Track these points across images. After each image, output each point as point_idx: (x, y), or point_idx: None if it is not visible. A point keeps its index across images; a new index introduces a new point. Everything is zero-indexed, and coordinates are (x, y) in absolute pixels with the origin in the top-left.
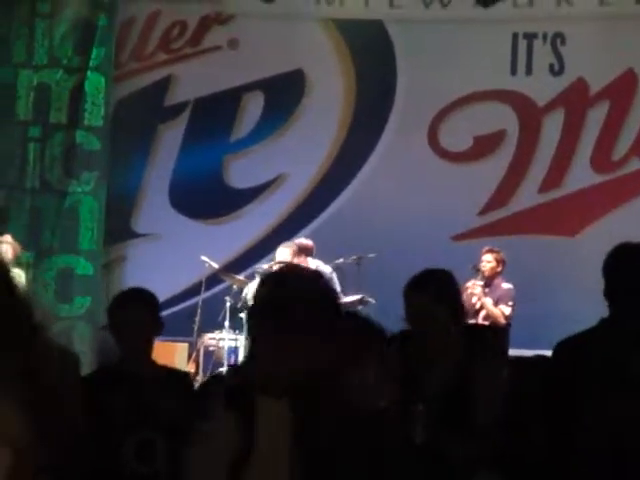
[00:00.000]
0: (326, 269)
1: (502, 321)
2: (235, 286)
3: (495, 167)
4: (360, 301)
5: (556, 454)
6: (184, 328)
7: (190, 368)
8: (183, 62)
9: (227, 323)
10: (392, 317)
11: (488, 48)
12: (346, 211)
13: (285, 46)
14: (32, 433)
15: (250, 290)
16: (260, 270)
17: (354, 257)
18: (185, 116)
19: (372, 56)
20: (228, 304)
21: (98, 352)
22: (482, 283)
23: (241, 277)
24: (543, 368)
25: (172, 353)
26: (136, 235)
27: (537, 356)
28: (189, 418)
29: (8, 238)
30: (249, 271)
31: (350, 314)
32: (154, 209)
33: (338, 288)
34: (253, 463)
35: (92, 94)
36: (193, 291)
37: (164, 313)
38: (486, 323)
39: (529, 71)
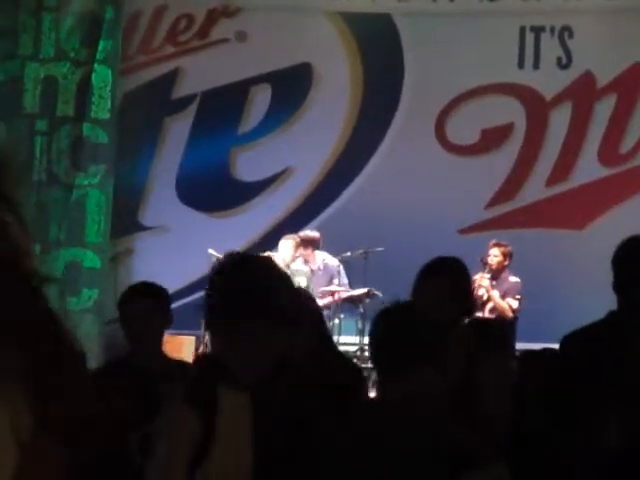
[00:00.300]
0: (333, 262)
1: (509, 314)
2: None
3: (502, 160)
4: (367, 294)
5: (561, 446)
6: (191, 321)
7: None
8: (190, 55)
9: None
10: None
11: (495, 41)
12: (353, 204)
13: (293, 39)
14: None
15: None
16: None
17: (361, 250)
18: (192, 109)
19: (380, 49)
20: None
21: (106, 346)
22: (489, 276)
23: None
24: (550, 361)
25: (179, 346)
26: (143, 228)
27: (544, 349)
28: None
29: None
30: None
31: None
32: (161, 202)
33: (345, 281)
34: (213, 457)
35: (99, 87)
36: (200, 284)
37: (171, 306)
38: (492, 316)
39: (536, 64)
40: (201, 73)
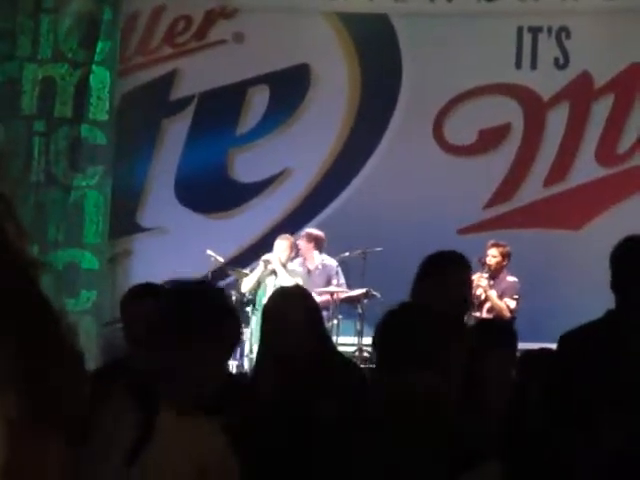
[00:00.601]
0: (332, 262)
1: (507, 314)
2: (240, 280)
3: (500, 161)
4: (365, 295)
5: (561, 446)
6: None
7: None
8: (188, 56)
9: None
10: None
11: (493, 42)
12: (351, 205)
13: (290, 40)
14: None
15: (245, 284)
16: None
17: (359, 251)
18: (190, 110)
19: (377, 50)
20: (234, 298)
21: (104, 347)
22: (487, 276)
23: (246, 271)
24: (548, 360)
25: None
26: (141, 229)
27: (542, 349)
28: None
29: None
30: (255, 265)
31: None
32: (159, 203)
33: (343, 281)
34: (152, 452)
35: (97, 88)
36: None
37: None
38: (490, 316)
39: (534, 65)
40: (199, 74)
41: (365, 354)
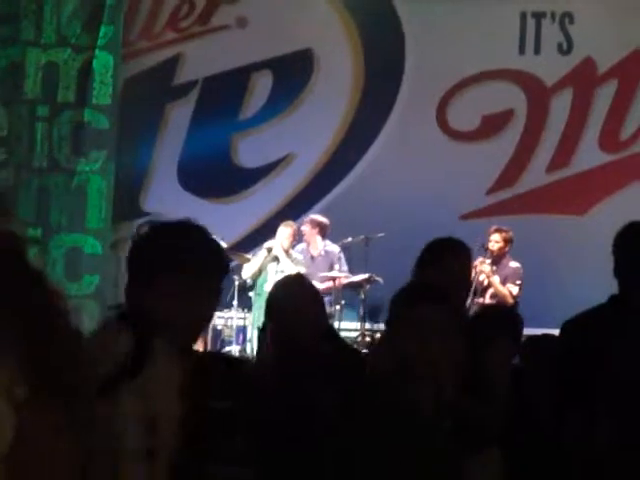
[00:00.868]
0: (334, 248)
1: (509, 300)
2: (243, 265)
3: (503, 146)
4: (368, 280)
5: (564, 431)
6: None
7: (198, 347)
8: (191, 41)
9: (235, 302)
10: None
11: (496, 27)
12: (354, 190)
13: (294, 25)
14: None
15: (246, 270)
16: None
17: (362, 236)
18: (194, 95)
19: (380, 35)
20: (236, 283)
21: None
22: (490, 262)
23: (250, 256)
24: (551, 346)
25: None
26: (144, 214)
27: (545, 334)
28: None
29: None
30: (258, 250)
31: None
32: (162, 188)
33: (346, 267)
34: (145, 375)
35: (100, 73)
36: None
37: None
38: (493, 302)
39: (537, 50)
40: (202, 59)
41: (368, 339)
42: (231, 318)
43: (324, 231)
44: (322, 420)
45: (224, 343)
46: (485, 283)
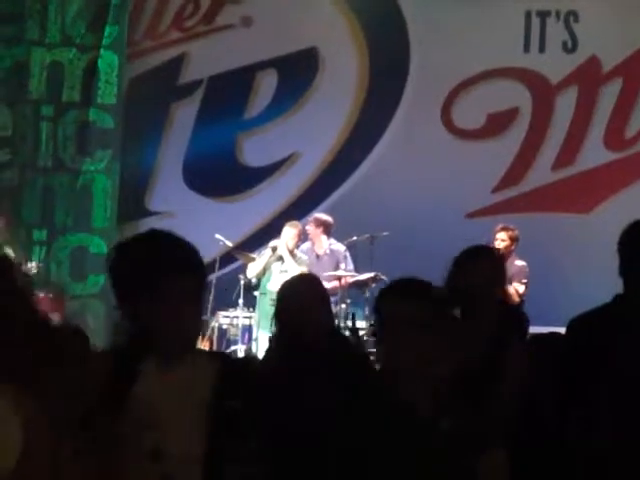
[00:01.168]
0: (340, 247)
1: (515, 299)
2: (248, 264)
3: (508, 145)
4: (373, 279)
5: (569, 430)
6: None
7: (204, 346)
8: (196, 40)
9: (241, 301)
10: None
11: (501, 26)
12: (359, 189)
13: (298, 24)
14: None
15: (251, 270)
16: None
17: (367, 235)
18: (199, 94)
19: (385, 34)
20: (242, 282)
21: (112, 331)
22: None
23: (255, 255)
24: (557, 345)
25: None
26: (150, 213)
27: (551, 333)
28: None
29: None
30: (263, 249)
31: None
32: (168, 187)
33: (351, 266)
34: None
35: (105, 72)
36: (207, 269)
37: None
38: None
39: (542, 49)
40: (207, 58)
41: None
42: (236, 317)
43: (328, 229)
44: (325, 419)
45: (230, 342)
46: None
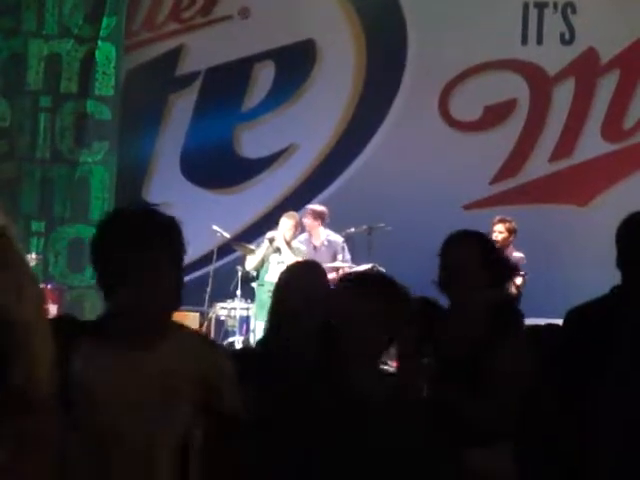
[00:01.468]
0: (337, 238)
1: (513, 290)
2: (246, 255)
3: (506, 137)
4: (371, 270)
5: (569, 422)
6: (195, 297)
7: None
8: (194, 32)
9: (239, 292)
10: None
11: (499, 17)
12: (357, 181)
13: (296, 16)
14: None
15: (249, 262)
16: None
17: (365, 227)
18: (196, 86)
19: (383, 26)
20: (239, 273)
21: None
22: None
23: (252, 246)
24: (555, 337)
25: (183, 322)
26: (147, 204)
27: (548, 325)
28: None
29: None
30: (260, 240)
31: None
32: (165, 179)
33: (349, 257)
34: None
35: (103, 64)
36: (204, 260)
37: None
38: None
39: (540, 40)
40: (205, 50)
41: None
42: (234, 309)
43: (324, 220)
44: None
45: (227, 334)
46: None
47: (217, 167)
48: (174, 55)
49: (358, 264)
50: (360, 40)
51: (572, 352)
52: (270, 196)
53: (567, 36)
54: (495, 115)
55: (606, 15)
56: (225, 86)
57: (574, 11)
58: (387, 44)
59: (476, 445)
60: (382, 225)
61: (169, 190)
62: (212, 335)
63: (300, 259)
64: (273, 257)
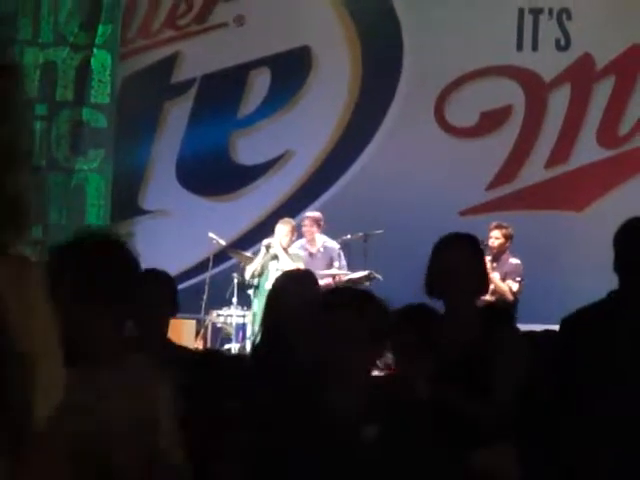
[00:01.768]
0: (333, 245)
1: (509, 296)
2: (242, 263)
3: (502, 143)
4: (367, 277)
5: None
6: (192, 305)
7: (198, 345)
8: (189, 39)
9: (235, 299)
10: (399, 292)
11: (494, 23)
12: (353, 187)
13: (291, 22)
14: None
15: (248, 271)
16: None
17: (361, 233)
18: (192, 93)
19: (378, 32)
20: (235, 281)
21: None
22: (490, 258)
23: (248, 254)
24: (551, 342)
25: (180, 330)
26: (143, 212)
27: (545, 331)
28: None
29: None
30: (256, 248)
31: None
32: (161, 186)
33: (345, 264)
34: None
35: (98, 71)
36: (201, 268)
37: None
38: (493, 298)
39: (535, 46)
40: (200, 57)
41: None
42: (231, 316)
43: (321, 226)
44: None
45: (224, 341)
46: None
47: (213, 174)
48: (170, 62)
49: (354, 270)
50: (356, 46)
51: (569, 357)
52: (266, 203)
53: (562, 42)
54: (491, 121)
55: (601, 21)
56: (221, 93)
57: (569, 17)
58: (383, 50)
59: (477, 445)
60: (378, 232)
61: (165, 197)
62: (208, 342)
63: (299, 265)
64: (272, 264)
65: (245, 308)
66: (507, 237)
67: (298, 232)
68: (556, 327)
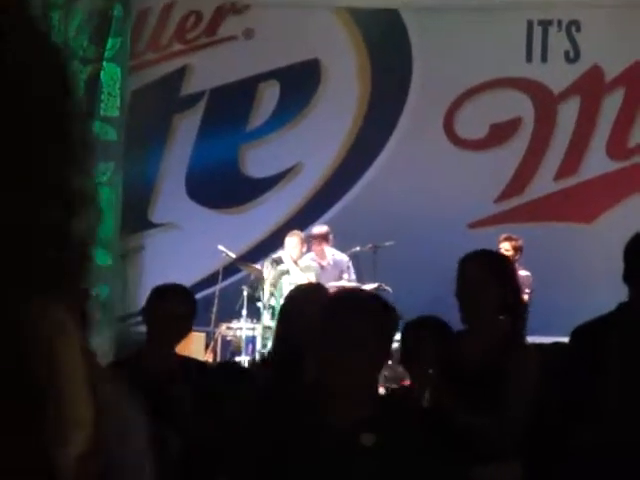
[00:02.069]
0: (343, 257)
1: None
2: (252, 275)
3: (511, 155)
4: (376, 289)
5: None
6: (201, 318)
7: (208, 358)
8: (199, 52)
9: (244, 312)
10: (408, 304)
11: (503, 35)
12: (362, 199)
13: (300, 35)
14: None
15: (266, 294)
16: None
17: (370, 245)
18: (201, 106)
19: (387, 45)
20: (245, 293)
21: (117, 342)
22: None
23: (258, 266)
24: (560, 355)
25: (189, 343)
26: (153, 225)
27: (555, 343)
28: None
29: None
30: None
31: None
32: (171, 199)
33: (354, 276)
34: None
35: (108, 84)
36: (210, 280)
37: None
38: None
39: (544, 58)
40: (209, 70)
41: None
42: (240, 329)
43: (328, 239)
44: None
45: (233, 354)
46: None
47: (222, 187)
48: (179, 75)
49: (363, 283)
50: (364, 59)
51: (580, 369)
52: (276, 215)
53: (572, 54)
54: (500, 133)
55: (610, 33)
56: (230, 106)
57: (578, 29)
58: (392, 63)
59: (485, 461)
60: (388, 244)
61: (175, 210)
62: (218, 355)
63: (312, 275)
64: (285, 279)
65: (255, 321)
66: (517, 249)
67: (308, 245)
68: (565, 339)
